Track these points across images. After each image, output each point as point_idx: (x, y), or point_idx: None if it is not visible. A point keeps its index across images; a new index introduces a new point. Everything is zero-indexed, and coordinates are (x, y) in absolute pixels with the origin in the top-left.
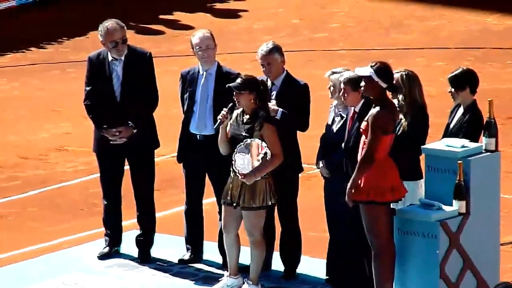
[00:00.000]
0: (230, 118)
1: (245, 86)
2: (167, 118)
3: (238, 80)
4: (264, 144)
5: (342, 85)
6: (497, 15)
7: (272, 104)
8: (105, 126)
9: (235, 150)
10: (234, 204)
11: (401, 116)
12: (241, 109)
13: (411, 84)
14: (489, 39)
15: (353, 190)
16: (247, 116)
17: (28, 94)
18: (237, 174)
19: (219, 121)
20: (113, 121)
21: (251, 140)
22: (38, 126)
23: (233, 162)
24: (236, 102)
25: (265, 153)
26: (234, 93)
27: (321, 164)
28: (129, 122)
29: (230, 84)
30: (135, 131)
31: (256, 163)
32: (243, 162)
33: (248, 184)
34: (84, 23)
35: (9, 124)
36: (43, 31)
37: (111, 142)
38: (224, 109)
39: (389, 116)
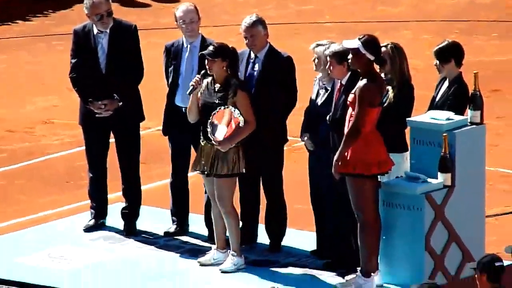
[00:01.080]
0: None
1: (217, 53)
2: (153, 91)
3: (211, 48)
4: (237, 111)
5: (328, 58)
6: None
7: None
8: (90, 99)
9: (210, 117)
10: (206, 173)
11: (389, 88)
12: (211, 78)
13: (400, 56)
14: (476, 12)
15: (339, 163)
16: (219, 85)
17: (15, 67)
18: (213, 141)
19: (191, 87)
20: (99, 94)
21: (225, 107)
22: (24, 99)
23: (208, 129)
24: (208, 70)
25: (239, 120)
26: (206, 60)
27: (305, 137)
28: (115, 95)
29: (203, 52)
30: (120, 104)
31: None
32: (218, 129)
33: (222, 152)
34: None
35: None
36: (28, 4)
37: (96, 115)
38: (197, 75)
39: (376, 89)
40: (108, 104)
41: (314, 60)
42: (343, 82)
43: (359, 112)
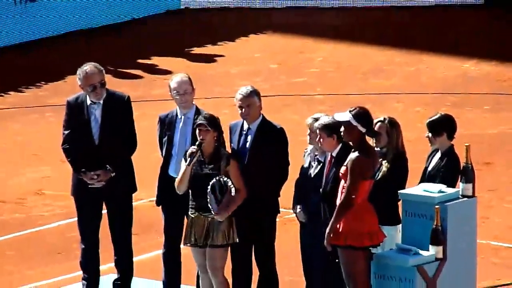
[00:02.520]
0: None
1: (211, 123)
2: (145, 162)
3: (204, 117)
4: (230, 181)
5: (317, 131)
6: (474, 60)
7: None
8: (83, 169)
9: (208, 188)
10: (200, 245)
11: (383, 161)
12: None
13: (396, 130)
14: (467, 85)
15: (331, 235)
16: (207, 155)
17: (6, 138)
18: (212, 211)
19: (190, 158)
20: (91, 164)
21: (220, 177)
22: (16, 169)
23: (208, 199)
24: (200, 139)
25: (231, 189)
26: (199, 130)
27: (298, 209)
28: (107, 165)
29: (197, 121)
30: (113, 174)
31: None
32: (216, 200)
33: (217, 221)
34: (62, 67)
35: None
36: (21, 75)
37: (89, 186)
38: (192, 146)
39: (369, 161)
40: (100, 175)
41: (309, 134)
42: (334, 154)
43: (351, 184)
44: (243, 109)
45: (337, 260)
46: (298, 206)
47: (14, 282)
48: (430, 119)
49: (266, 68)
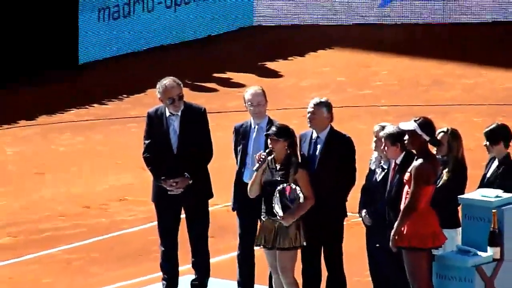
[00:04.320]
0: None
1: (281, 133)
2: (220, 169)
3: (274, 128)
4: (298, 188)
5: (382, 140)
6: None
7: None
8: (163, 177)
9: (275, 194)
10: (269, 247)
11: (444, 169)
12: (271, 157)
13: (458, 141)
14: None
15: (396, 237)
16: (279, 163)
17: (91, 148)
18: (278, 216)
19: (259, 163)
20: (171, 172)
21: (287, 184)
22: (100, 177)
23: (273, 205)
24: (272, 149)
25: (299, 197)
26: (270, 140)
27: (363, 213)
28: (186, 173)
29: (267, 132)
30: (191, 181)
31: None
32: (282, 205)
33: (285, 226)
34: (143, 81)
35: (73, 176)
36: (104, 89)
37: (168, 193)
38: (262, 152)
39: (431, 168)
40: (179, 182)
41: (375, 141)
42: (397, 161)
43: (415, 190)
44: (310, 115)
45: (377, 245)
46: (364, 211)
47: (98, 283)
48: (487, 129)
49: (334, 81)
